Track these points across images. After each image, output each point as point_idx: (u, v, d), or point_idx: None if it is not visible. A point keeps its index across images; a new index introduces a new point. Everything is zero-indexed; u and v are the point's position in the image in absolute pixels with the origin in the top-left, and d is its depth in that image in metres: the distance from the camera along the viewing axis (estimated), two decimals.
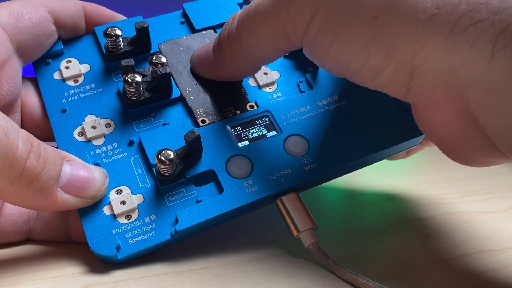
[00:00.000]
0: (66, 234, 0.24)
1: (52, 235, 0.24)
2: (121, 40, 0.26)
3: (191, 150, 0.22)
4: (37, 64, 0.26)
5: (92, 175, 0.22)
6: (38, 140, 0.20)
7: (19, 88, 0.25)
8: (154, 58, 0.24)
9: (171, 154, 0.21)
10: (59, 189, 0.20)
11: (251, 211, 0.23)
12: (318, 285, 0.21)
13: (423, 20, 0.18)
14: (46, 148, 0.20)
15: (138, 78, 0.23)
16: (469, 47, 0.17)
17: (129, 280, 0.21)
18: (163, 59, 0.24)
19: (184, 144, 0.23)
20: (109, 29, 0.25)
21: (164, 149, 0.22)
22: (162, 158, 0.21)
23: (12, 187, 0.19)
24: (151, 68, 0.25)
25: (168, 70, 0.24)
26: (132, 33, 0.26)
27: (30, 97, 0.26)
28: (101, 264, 0.22)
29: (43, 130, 0.25)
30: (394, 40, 0.19)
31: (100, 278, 0.21)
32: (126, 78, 0.23)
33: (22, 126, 0.25)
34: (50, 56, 0.26)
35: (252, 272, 0.22)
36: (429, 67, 0.18)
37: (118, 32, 0.25)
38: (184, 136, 0.22)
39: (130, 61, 0.24)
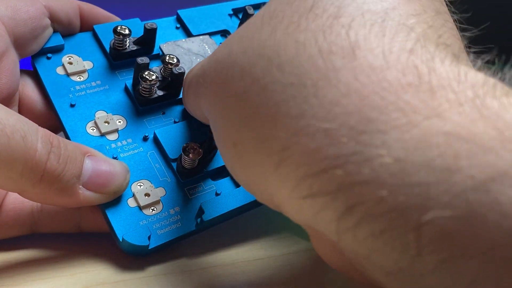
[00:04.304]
0: (76, 225, 0.23)
1: (60, 226, 0.23)
2: (128, 40, 0.26)
3: (212, 145, 0.23)
4: (37, 58, 0.25)
5: (114, 169, 0.22)
6: (59, 137, 0.20)
7: (17, 81, 0.24)
8: (167, 58, 0.25)
9: (197, 147, 0.22)
10: (81, 186, 0.20)
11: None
12: (317, 284, 0.22)
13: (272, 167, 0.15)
14: (67, 146, 0.20)
15: (154, 76, 0.24)
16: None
17: (129, 280, 0.21)
18: (176, 59, 0.25)
19: (198, 141, 0.24)
20: (119, 28, 0.25)
21: (191, 143, 0.23)
22: (191, 150, 0.22)
23: (34, 189, 0.19)
24: (160, 67, 0.25)
25: (183, 70, 0.25)
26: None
27: (27, 90, 0.25)
28: (101, 264, 0.22)
29: (43, 123, 0.24)
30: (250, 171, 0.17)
31: (100, 278, 0.21)
32: (144, 75, 0.24)
33: None
34: (51, 51, 0.26)
35: (252, 272, 0.22)
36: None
37: (127, 31, 0.26)
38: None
39: (145, 59, 0.24)
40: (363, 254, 0.14)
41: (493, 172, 0.11)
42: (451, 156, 0.12)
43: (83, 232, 0.24)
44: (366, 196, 0.13)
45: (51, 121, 0.25)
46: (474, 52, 0.17)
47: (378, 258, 0.13)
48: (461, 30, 0.18)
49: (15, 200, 0.23)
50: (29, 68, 0.26)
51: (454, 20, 0.18)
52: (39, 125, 0.24)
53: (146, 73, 0.24)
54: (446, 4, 0.18)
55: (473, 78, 0.14)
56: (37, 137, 0.19)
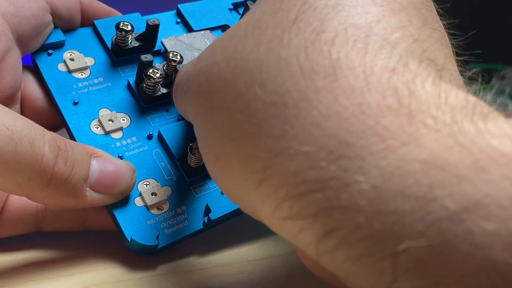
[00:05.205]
0: (81, 223, 0.23)
1: (65, 225, 0.23)
2: (130, 36, 0.26)
3: None
4: (38, 55, 0.25)
5: (121, 170, 0.22)
6: (66, 140, 0.20)
7: (20, 79, 0.24)
8: (171, 55, 0.25)
9: None
10: (88, 188, 0.21)
11: None
12: (316, 285, 0.22)
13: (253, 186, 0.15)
14: (74, 148, 0.20)
15: (159, 74, 0.24)
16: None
17: (129, 280, 0.21)
18: (179, 56, 0.25)
19: None
20: (121, 24, 0.25)
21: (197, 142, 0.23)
22: (197, 149, 0.22)
23: (41, 193, 0.19)
24: (163, 64, 0.25)
25: None
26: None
27: (29, 87, 0.25)
28: (101, 264, 0.22)
29: (45, 120, 0.24)
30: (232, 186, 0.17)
31: (100, 278, 0.21)
32: (148, 73, 0.24)
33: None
34: (51, 47, 0.25)
35: (252, 272, 0.23)
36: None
37: (129, 27, 0.25)
38: None
39: (149, 57, 0.24)
40: (342, 276, 0.14)
41: (467, 202, 0.11)
42: (426, 185, 0.12)
43: (84, 232, 0.24)
44: (344, 222, 0.13)
45: (53, 117, 0.25)
46: (461, 61, 0.17)
47: (356, 281, 0.13)
48: (449, 37, 0.18)
49: (19, 199, 0.23)
50: (28, 63, 0.26)
51: (444, 25, 0.17)
52: (41, 122, 0.24)
53: (151, 71, 0.24)
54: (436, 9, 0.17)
55: (453, 100, 0.13)
56: (44, 141, 0.19)
